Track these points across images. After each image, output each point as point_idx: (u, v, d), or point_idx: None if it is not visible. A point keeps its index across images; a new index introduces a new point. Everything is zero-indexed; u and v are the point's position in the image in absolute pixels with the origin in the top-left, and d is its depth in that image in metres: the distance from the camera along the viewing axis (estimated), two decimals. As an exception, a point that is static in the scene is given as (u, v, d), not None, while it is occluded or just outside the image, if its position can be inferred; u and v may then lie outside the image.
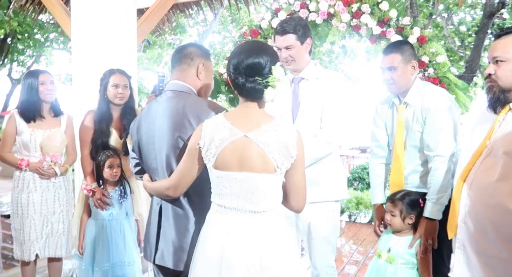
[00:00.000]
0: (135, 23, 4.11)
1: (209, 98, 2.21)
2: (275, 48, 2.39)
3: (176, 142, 1.74)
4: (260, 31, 3.72)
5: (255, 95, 1.58)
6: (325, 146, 2.30)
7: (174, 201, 1.79)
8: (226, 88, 3.87)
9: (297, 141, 1.56)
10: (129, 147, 2.91)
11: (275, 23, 3.60)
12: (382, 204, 2.55)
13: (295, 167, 1.58)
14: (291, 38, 2.31)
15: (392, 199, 2.36)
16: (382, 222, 2.52)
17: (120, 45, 3.90)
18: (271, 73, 1.55)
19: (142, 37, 4.66)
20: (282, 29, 2.33)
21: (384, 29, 3.27)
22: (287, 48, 2.33)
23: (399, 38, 3.19)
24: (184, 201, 1.78)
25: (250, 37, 3.72)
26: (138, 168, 1.97)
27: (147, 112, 1.89)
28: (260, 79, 1.54)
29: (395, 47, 2.38)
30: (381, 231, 2.52)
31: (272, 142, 1.53)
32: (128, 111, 3.08)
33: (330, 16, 3.43)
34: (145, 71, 11.74)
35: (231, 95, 3.85)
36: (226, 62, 3.99)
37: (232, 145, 1.55)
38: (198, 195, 1.75)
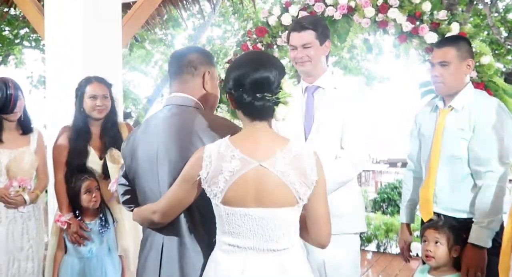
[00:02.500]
0: (120, 20, 4.13)
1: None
2: (290, 47, 2.46)
3: (183, 165, 1.73)
4: (267, 29, 3.73)
5: (265, 114, 1.60)
6: (350, 169, 2.33)
7: (181, 240, 1.79)
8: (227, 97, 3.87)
9: (316, 164, 1.59)
10: (111, 169, 2.92)
11: (285, 19, 3.62)
12: (408, 225, 2.67)
13: (317, 194, 1.61)
14: (310, 35, 2.38)
15: (436, 225, 2.33)
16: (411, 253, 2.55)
17: (103, 45, 3.93)
18: (281, 88, 1.57)
19: (129, 36, 4.70)
20: (300, 25, 2.41)
21: (416, 25, 3.26)
22: (304, 46, 2.39)
23: (434, 36, 3.18)
24: (194, 240, 1.78)
25: (255, 36, 3.73)
26: (127, 196, 1.97)
27: (145, 131, 1.90)
28: (270, 95, 1.56)
29: (451, 40, 2.44)
30: (410, 257, 2.56)
31: (292, 171, 1.56)
32: (110, 127, 3.08)
33: (351, 10, 3.44)
34: (132, 72, 11.82)
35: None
36: (227, 65, 3.99)
37: (246, 177, 1.56)
38: (212, 233, 1.72)
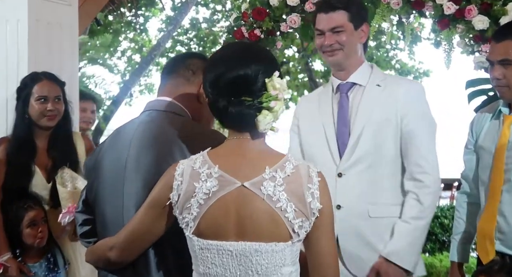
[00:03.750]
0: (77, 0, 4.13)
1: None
2: (316, 33, 2.51)
3: None
4: (268, 10, 3.74)
5: (243, 123, 1.61)
6: (431, 196, 2.41)
7: None
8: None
9: (320, 188, 1.60)
10: (63, 195, 2.90)
11: (291, -2, 3.62)
12: (460, 264, 2.66)
13: (320, 227, 1.61)
14: (341, 16, 2.44)
15: (490, 271, 2.30)
16: None
17: (54, 31, 3.91)
18: (266, 90, 1.57)
19: (88, 18, 4.70)
20: (328, 4, 2.47)
21: (462, 6, 3.27)
22: (333, 30, 2.44)
23: (485, 20, 3.18)
24: None
25: (252, 20, 3.73)
26: (86, 228, 1.97)
27: (115, 140, 1.93)
28: (250, 99, 1.57)
29: None
30: None
31: (285, 195, 1.56)
32: (61, 138, 3.08)
33: (377, -13, 3.45)
34: (92, 65, 11.81)
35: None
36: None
37: (225, 201, 1.56)
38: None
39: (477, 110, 3.28)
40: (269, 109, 1.57)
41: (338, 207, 2.42)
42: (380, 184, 2.44)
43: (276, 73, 1.60)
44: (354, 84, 2.52)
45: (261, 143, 1.65)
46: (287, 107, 16.43)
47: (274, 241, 1.55)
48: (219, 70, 1.61)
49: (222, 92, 1.59)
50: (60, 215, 2.70)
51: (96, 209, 1.91)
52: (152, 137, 1.83)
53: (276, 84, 1.58)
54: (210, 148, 1.67)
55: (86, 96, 4.72)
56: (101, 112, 11.25)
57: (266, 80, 1.58)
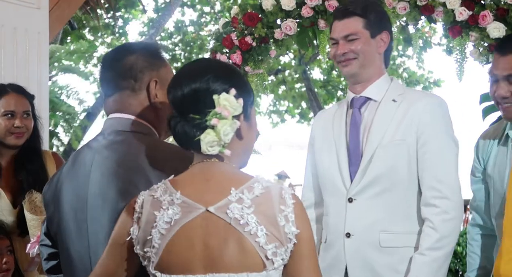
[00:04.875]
0: (47, 1, 4.14)
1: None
2: (331, 42, 2.55)
3: None
4: (260, 15, 3.76)
5: (188, 144, 1.65)
6: (451, 223, 2.40)
7: None
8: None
9: (295, 211, 1.61)
10: (31, 223, 2.89)
11: (286, 2, 3.64)
12: None
13: (299, 257, 1.62)
14: (355, 23, 2.49)
15: None
16: None
17: (22, 36, 3.92)
18: (214, 107, 1.60)
19: (61, 22, 4.69)
20: (343, 10, 2.55)
21: (475, 11, 3.29)
22: (347, 38, 2.49)
23: (501, 27, 3.20)
24: None
25: (243, 26, 3.73)
26: (53, 262, 1.99)
27: (72, 167, 1.91)
28: (198, 117, 1.60)
29: None
30: None
31: (254, 216, 1.57)
32: (30, 157, 3.08)
33: (383, -10, 3.46)
34: (64, 74, 11.79)
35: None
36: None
37: (189, 230, 1.58)
38: None
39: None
40: (214, 128, 1.59)
41: (348, 235, 2.43)
42: (393, 210, 2.44)
43: (232, 91, 1.62)
44: (368, 99, 2.53)
45: (229, 166, 1.67)
46: (283, 121, 16.45)
47: (246, 272, 1.56)
48: (173, 85, 1.68)
49: (175, 109, 1.67)
50: (29, 245, 2.68)
51: (60, 246, 1.91)
52: (114, 166, 1.81)
53: (223, 101, 1.60)
54: (172, 176, 1.69)
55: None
56: (73, 126, 11.22)
57: (214, 96, 1.61)
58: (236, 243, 1.56)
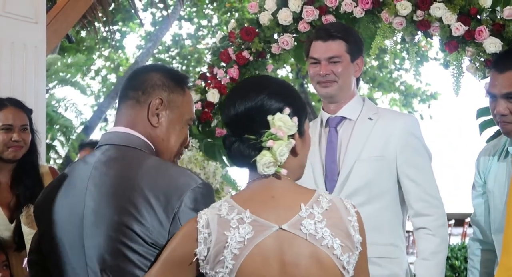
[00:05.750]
0: (44, 16, 4.17)
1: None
2: (309, 61, 2.62)
3: (126, 240, 1.73)
4: (257, 30, 3.80)
5: (244, 164, 1.68)
6: (444, 229, 2.56)
7: None
8: (200, 128, 3.86)
9: (358, 219, 1.67)
10: (28, 237, 2.89)
11: (283, 17, 3.66)
12: None
13: (362, 262, 1.69)
14: (339, 47, 2.58)
15: None
16: None
17: (19, 50, 3.94)
18: (269, 127, 1.61)
19: (58, 36, 4.72)
20: (327, 32, 2.62)
21: (472, 27, 3.32)
22: (330, 60, 2.57)
23: (497, 42, 3.22)
24: None
25: (240, 41, 3.76)
26: None
27: (67, 183, 1.89)
28: (253, 137, 1.62)
29: None
30: None
31: (328, 230, 1.60)
32: (27, 172, 3.08)
33: (378, 5, 3.51)
34: (62, 87, 11.78)
35: (209, 140, 3.85)
36: (199, 81, 4.00)
37: (263, 248, 1.59)
38: None
39: (489, 141, 3.29)
40: (269, 150, 1.60)
41: None
42: (372, 223, 2.47)
43: (286, 110, 1.64)
44: (344, 118, 2.65)
45: (290, 182, 1.69)
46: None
47: None
48: (227, 106, 1.69)
49: (229, 129, 1.69)
50: (25, 260, 2.67)
51: (53, 263, 1.89)
52: (111, 184, 1.78)
53: (277, 122, 1.61)
54: (232, 193, 1.67)
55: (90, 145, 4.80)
56: (71, 140, 11.19)
57: (269, 117, 1.62)
58: (314, 258, 1.58)
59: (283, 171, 1.62)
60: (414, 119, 2.73)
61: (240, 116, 1.65)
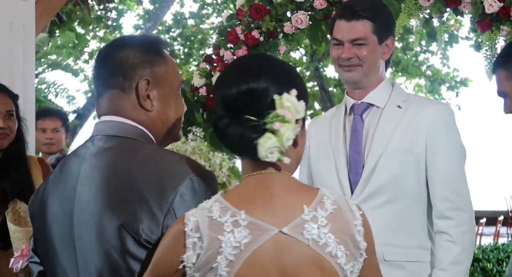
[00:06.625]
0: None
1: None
2: (332, 42, 2.60)
3: (117, 237, 1.74)
4: (269, 7, 3.76)
5: (242, 148, 1.63)
6: (468, 236, 2.52)
7: None
8: (205, 115, 3.86)
9: (363, 223, 1.64)
10: (15, 235, 2.90)
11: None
12: None
13: (368, 270, 1.68)
14: (364, 27, 2.54)
15: None
16: None
17: (4, 31, 3.94)
18: (274, 108, 1.58)
19: (48, 15, 4.72)
20: (351, 11, 2.57)
21: (507, 3, 3.29)
22: (354, 42, 2.54)
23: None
24: None
25: (250, 19, 3.75)
26: None
27: (59, 177, 1.90)
28: (254, 119, 1.57)
29: None
30: None
31: (332, 236, 1.58)
32: (14, 163, 3.09)
33: (403, -22, 3.48)
34: (52, 71, 11.83)
35: (214, 129, 3.85)
36: (204, 64, 3.99)
37: (260, 255, 1.57)
38: None
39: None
40: (275, 133, 1.56)
41: None
42: (398, 223, 2.51)
43: (293, 92, 1.59)
44: (371, 105, 2.61)
45: (290, 178, 1.67)
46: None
47: None
48: (224, 83, 1.66)
49: (225, 109, 1.63)
50: (12, 260, 2.67)
51: (46, 265, 1.92)
52: (103, 178, 1.79)
53: (286, 102, 1.58)
54: (222, 191, 1.66)
55: (45, 112, 4.74)
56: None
57: (275, 96, 1.59)
58: (316, 266, 1.57)
59: (286, 160, 1.57)
60: (448, 108, 2.69)
61: (241, 95, 1.61)
